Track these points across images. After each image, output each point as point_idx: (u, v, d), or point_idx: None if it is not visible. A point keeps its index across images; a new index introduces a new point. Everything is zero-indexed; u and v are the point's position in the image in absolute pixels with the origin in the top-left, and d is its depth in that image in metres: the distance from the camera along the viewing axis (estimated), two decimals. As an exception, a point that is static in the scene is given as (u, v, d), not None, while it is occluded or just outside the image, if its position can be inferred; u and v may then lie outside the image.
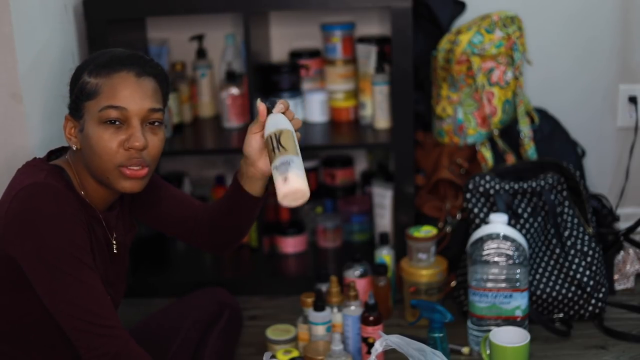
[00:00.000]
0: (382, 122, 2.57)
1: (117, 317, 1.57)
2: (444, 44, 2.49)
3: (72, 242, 1.53)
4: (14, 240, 1.53)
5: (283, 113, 1.63)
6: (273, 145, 1.55)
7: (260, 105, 1.64)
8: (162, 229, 1.89)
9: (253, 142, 1.68)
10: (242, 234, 1.87)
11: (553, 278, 2.27)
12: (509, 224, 2.22)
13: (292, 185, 1.48)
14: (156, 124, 1.61)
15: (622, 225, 2.53)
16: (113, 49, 1.67)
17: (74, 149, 1.62)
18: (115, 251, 1.72)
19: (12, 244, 1.53)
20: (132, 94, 1.57)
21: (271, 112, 1.64)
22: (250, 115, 2.46)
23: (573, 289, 2.26)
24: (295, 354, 2.08)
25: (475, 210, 2.31)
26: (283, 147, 1.53)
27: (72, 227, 1.54)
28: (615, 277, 2.46)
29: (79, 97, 1.59)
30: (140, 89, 1.58)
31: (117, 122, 1.57)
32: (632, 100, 2.68)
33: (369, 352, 2.07)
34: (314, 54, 2.71)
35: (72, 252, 1.52)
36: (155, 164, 1.64)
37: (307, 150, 2.72)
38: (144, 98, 1.58)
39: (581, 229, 2.31)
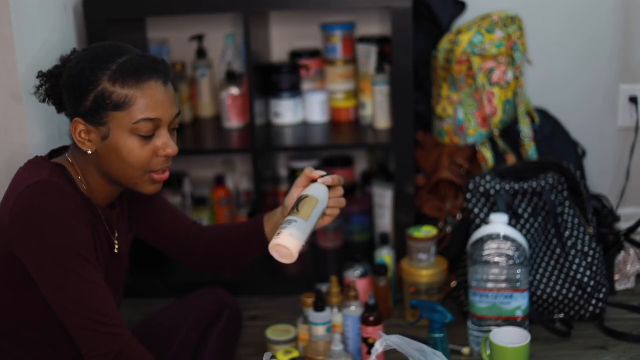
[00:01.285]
0: (382, 122, 2.57)
1: (120, 316, 1.57)
2: (444, 43, 2.49)
3: (76, 240, 1.53)
4: (18, 237, 1.53)
5: (331, 187, 1.72)
6: (294, 204, 1.67)
7: (315, 173, 1.73)
8: (151, 240, 1.90)
9: (294, 195, 1.74)
10: (235, 266, 1.94)
11: (553, 278, 2.27)
12: (509, 224, 2.22)
13: (281, 241, 1.58)
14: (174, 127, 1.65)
15: (623, 225, 2.53)
16: (118, 47, 1.60)
17: (89, 152, 1.59)
18: (116, 251, 1.72)
19: (17, 241, 1.53)
20: (163, 104, 1.58)
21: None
22: (250, 115, 2.46)
23: (573, 289, 2.26)
24: (295, 354, 2.08)
25: (476, 210, 2.31)
26: (297, 210, 1.64)
27: (76, 224, 1.54)
28: (616, 277, 2.46)
29: (102, 105, 1.55)
30: (168, 97, 1.59)
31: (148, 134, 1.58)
32: (633, 100, 2.68)
33: (369, 353, 2.07)
34: (314, 53, 2.71)
35: (76, 249, 1.53)
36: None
37: (307, 150, 2.74)
38: (171, 106, 1.60)
39: (581, 229, 2.31)
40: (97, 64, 1.56)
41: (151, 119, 1.56)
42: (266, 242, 1.80)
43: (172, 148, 1.60)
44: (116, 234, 1.72)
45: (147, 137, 1.58)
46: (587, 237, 2.30)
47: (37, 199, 1.52)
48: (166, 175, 1.63)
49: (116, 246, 1.72)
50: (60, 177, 1.58)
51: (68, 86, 1.59)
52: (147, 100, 1.55)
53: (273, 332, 2.19)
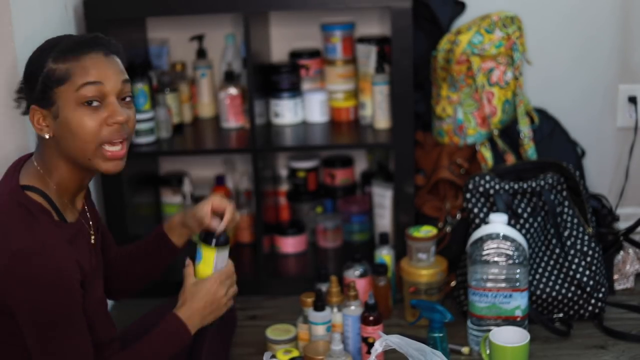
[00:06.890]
0: (382, 122, 2.57)
1: None
2: (443, 44, 2.49)
3: (66, 301, 1.53)
4: (10, 294, 1.52)
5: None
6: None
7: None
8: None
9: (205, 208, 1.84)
10: (145, 284, 1.99)
11: (553, 278, 2.27)
12: (509, 223, 2.22)
13: None
14: (127, 99, 1.63)
15: (622, 225, 2.53)
16: (66, 35, 1.65)
17: (47, 137, 1.59)
18: (92, 242, 1.71)
19: (9, 296, 1.52)
20: (105, 71, 1.59)
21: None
22: (250, 115, 2.46)
23: (573, 288, 2.26)
24: (295, 353, 2.09)
25: (475, 210, 2.32)
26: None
27: (65, 282, 1.53)
28: (615, 277, 2.46)
29: (47, 84, 1.57)
30: (112, 65, 1.61)
31: (94, 103, 1.57)
32: (632, 100, 2.68)
33: (368, 352, 2.08)
34: (314, 54, 2.72)
35: (66, 311, 1.54)
36: (131, 140, 1.66)
37: (307, 150, 2.74)
38: (116, 73, 1.61)
39: (581, 229, 2.31)
40: (42, 52, 1.60)
41: (92, 82, 1.57)
42: (174, 246, 1.90)
43: (122, 115, 1.59)
44: (91, 230, 1.71)
45: (95, 108, 1.58)
46: (586, 237, 2.30)
47: (29, 267, 1.50)
48: (121, 153, 1.61)
49: (92, 238, 1.71)
50: (38, 221, 1.54)
51: (24, 81, 1.62)
52: (86, 69, 1.57)
53: (273, 332, 2.20)
